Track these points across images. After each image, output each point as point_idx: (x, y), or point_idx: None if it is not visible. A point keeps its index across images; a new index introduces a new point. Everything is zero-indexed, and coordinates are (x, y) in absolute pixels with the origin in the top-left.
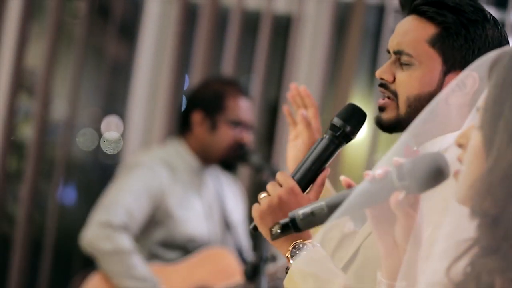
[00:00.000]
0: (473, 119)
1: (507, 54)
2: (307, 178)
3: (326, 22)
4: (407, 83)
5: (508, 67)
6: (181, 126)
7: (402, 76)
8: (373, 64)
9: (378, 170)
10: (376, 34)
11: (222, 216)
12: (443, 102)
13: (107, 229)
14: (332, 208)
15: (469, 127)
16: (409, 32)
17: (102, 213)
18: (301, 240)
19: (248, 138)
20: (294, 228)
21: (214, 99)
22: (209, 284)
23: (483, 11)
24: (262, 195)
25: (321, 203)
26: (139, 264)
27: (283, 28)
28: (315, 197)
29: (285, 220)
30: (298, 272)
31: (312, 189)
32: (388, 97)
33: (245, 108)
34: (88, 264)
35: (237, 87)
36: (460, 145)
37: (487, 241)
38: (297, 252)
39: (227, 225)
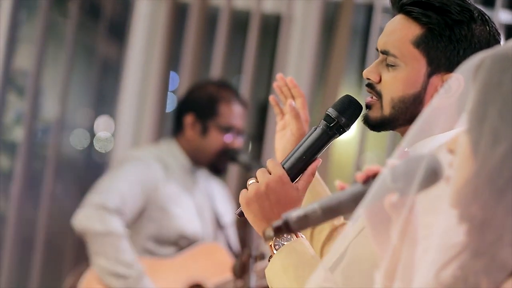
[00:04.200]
0: (462, 124)
1: (489, 56)
2: (298, 167)
3: (315, 21)
4: (391, 85)
5: (490, 70)
6: (174, 126)
7: (388, 77)
8: (362, 63)
9: (371, 169)
10: (365, 33)
11: (214, 216)
12: (438, 107)
13: (101, 210)
14: (325, 210)
15: (460, 132)
16: (395, 32)
17: (97, 196)
18: None
19: (239, 143)
20: (287, 230)
21: (207, 104)
22: (202, 279)
23: (470, 10)
24: (251, 181)
25: (314, 205)
26: (127, 249)
27: (272, 27)
28: (304, 186)
29: (278, 222)
30: (279, 261)
31: (301, 179)
32: (374, 97)
33: (237, 114)
34: (80, 261)
35: (231, 92)
36: (451, 151)
37: (477, 245)
38: (280, 242)
39: (218, 225)
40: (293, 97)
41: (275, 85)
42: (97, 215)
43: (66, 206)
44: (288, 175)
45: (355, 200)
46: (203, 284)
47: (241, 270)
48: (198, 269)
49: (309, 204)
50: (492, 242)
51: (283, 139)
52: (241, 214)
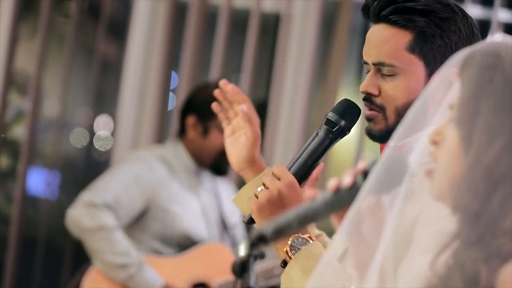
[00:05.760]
0: (444, 116)
1: (478, 52)
2: (303, 172)
3: (314, 20)
4: (394, 94)
5: (481, 65)
6: (178, 128)
7: (388, 88)
8: (361, 62)
9: (345, 180)
10: (364, 32)
11: (220, 217)
12: (431, 98)
13: (90, 208)
14: (300, 221)
15: (443, 124)
16: (385, 42)
17: (87, 194)
18: (300, 234)
19: None
20: (263, 243)
21: (207, 105)
22: (206, 278)
23: (450, 5)
24: (259, 188)
25: (289, 216)
26: (121, 239)
27: (272, 26)
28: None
29: (253, 237)
30: (297, 266)
31: (307, 183)
32: (374, 109)
33: None
34: (81, 260)
35: None
36: (435, 142)
37: (469, 234)
38: (296, 246)
39: (224, 226)
40: (239, 103)
41: (217, 92)
42: (86, 213)
43: (66, 205)
44: None
45: (329, 208)
46: (207, 283)
47: (241, 269)
48: (203, 268)
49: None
50: (483, 231)
51: (237, 144)
52: (249, 222)
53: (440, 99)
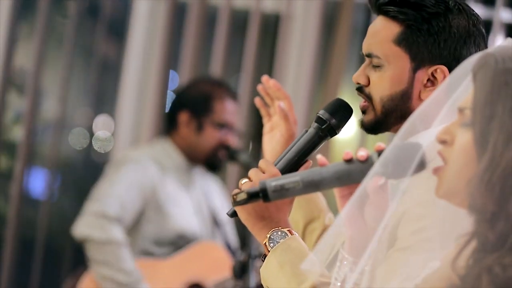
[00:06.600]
0: (451, 117)
1: (492, 56)
2: (289, 169)
3: (315, 21)
4: (379, 85)
5: (496, 69)
6: (168, 125)
7: (375, 78)
8: (362, 62)
9: (360, 152)
10: (365, 32)
11: (211, 214)
12: (416, 99)
13: (102, 219)
14: (307, 183)
15: (452, 124)
16: (376, 33)
17: (96, 204)
18: (280, 228)
19: (233, 139)
20: (264, 198)
21: (201, 101)
22: (201, 278)
23: (445, 2)
24: (244, 181)
25: (296, 177)
26: (128, 257)
27: (272, 26)
28: None
29: (254, 188)
30: (275, 259)
31: None
32: (365, 100)
33: (232, 111)
34: (79, 261)
35: (225, 89)
36: (443, 141)
37: (487, 235)
38: (275, 239)
39: (215, 222)
40: (278, 99)
41: (260, 87)
42: (98, 224)
43: (65, 206)
44: None
45: (337, 177)
46: (202, 284)
47: (241, 270)
48: (197, 268)
49: (290, 176)
50: (503, 231)
51: (272, 141)
52: (233, 214)
53: (426, 97)
